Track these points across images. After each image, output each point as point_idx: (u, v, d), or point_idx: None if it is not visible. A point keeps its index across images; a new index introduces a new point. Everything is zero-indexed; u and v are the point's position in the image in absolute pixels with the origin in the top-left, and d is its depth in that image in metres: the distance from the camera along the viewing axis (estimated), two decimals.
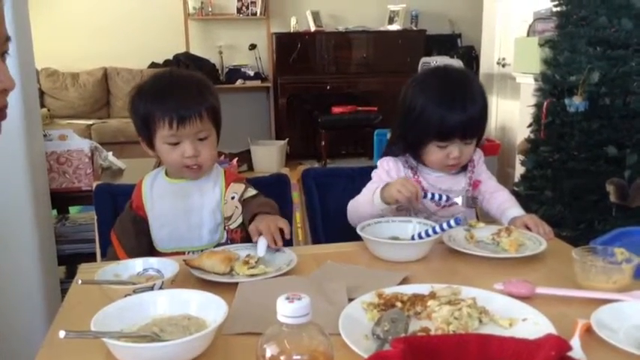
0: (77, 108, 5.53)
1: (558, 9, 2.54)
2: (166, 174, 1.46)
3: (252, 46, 5.86)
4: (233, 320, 0.93)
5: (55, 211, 2.48)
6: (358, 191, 1.69)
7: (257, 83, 5.87)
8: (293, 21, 5.86)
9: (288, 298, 0.66)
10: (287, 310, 0.66)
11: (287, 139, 5.61)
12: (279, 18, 5.97)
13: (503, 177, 4.37)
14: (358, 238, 1.30)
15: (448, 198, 1.43)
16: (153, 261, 1.14)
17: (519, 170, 2.87)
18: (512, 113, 4.63)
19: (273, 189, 1.71)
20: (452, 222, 1.25)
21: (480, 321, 0.92)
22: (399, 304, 0.96)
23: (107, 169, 2.51)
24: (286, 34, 5.84)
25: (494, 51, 5.01)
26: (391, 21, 6.00)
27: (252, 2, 5.82)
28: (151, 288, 1.00)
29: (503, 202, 1.55)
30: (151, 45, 5.76)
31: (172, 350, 0.81)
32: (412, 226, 1.36)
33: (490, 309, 0.95)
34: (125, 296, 0.97)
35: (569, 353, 0.70)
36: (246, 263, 1.17)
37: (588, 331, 0.89)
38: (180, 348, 0.81)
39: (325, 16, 5.98)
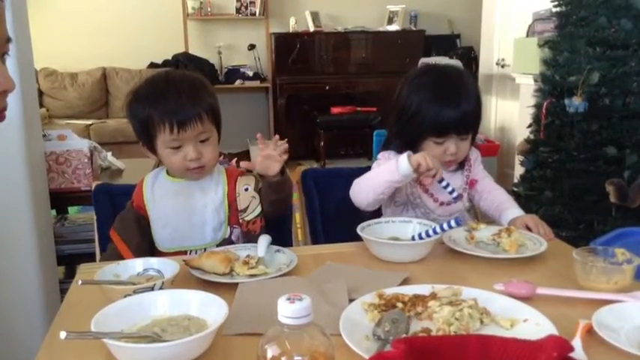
0: (76, 108, 5.53)
1: (558, 9, 2.54)
2: (167, 173, 1.46)
3: (251, 47, 5.86)
4: (233, 321, 0.92)
5: (54, 211, 2.48)
6: None
7: (256, 83, 5.87)
8: (292, 21, 5.86)
9: (289, 299, 0.66)
10: (288, 310, 0.65)
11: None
12: (278, 18, 5.97)
13: (502, 177, 4.37)
14: (358, 238, 1.30)
15: (458, 196, 1.44)
16: (153, 261, 1.14)
17: (519, 171, 2.87)
18: (511, 114, 4.64)
19: None
20: (452, 222, 1.25)
21: (481, 322, 0.92)
22: (399, 305, 0.96)
23: (106, 169, 2.50)
24: (285, 35, 5.84)
25: (494, 51, 5.01)
26: (390, 21, 6.01)
27: (251, 2, 5.82)
28: (151, 288, 1.00)
29: (501, 202, 1.56)
30: (149, 45, 5.76)
31: (173, 351, 0.81)
32: (412, 226, 1.36)
33: (491, 310, 0.94)
34: (125, 296, 0.96)
35: (571, 354, 0.70)
36: (246, 264, 1.17)
37: (589, 331, 0.89)
38: (181, 348, 0.81)
39: (324, 17, 5.98)
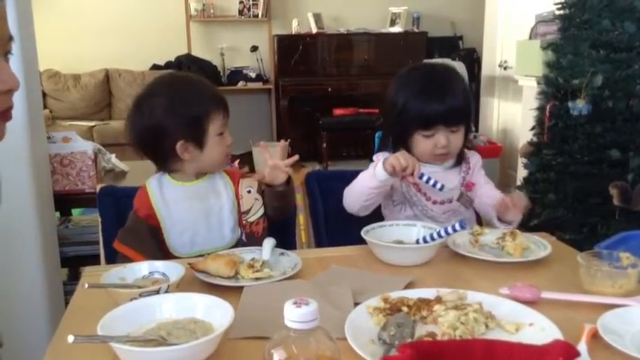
0: (79, 109, 5.54)
1: (561, 12, 2.54)
2: (172, 178, 1.44)
3: (254, 48, 5.86)
4: (239, 324, 0.93)
5: (58, 213, 2.48)
6: None
7: (258, 85, 5.87)
8: (294, 23, 5.87)
9: (295, 303, 0.67)
10: (294, 315, 0.66)
11: (288, 141, 5.59)
12: (280, 20, 5.97)
13: (504, 179, 4.38)
14: (362, 241, 1.30)
15: (442, 187, 1.43)
16: (159, 264, 1.14)
17: (522, 173, 2.87)
18: (513, 116, 4.63)
19: None
20: (457, 226, 1.25)
21: (487, 326, 0.92)
22: (404, 309, 0.96)
23: (110, 171, 2.51)
24: (288, 36, 5.84)
25: (496, 53, 5.01)
26: (393, 23, 6.01)
27: (253, 4, 5.82)
28: (157, 292, 1.00)
29: (496, 198, 1.53)
30: (152, 47, 5.77)
31: (180, 354, 0.81)
32: (417, 229, 1.36)
33: (496, 314, 0.95)
34: (131, 300, 0.97)
35: (577, 359, 0.70)
36: (251, 267, 1.17)
37: (595, 336, 0.89)
38: (188, 352, 0.81)
39: (327, 18, 5.98)
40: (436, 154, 1.52)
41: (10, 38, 0.89)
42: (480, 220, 1.68)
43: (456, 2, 6.12)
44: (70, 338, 0.78)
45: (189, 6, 5.71)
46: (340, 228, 1.62)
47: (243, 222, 1.45)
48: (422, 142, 1.52)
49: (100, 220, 1.59)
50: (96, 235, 1.63)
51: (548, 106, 2.47)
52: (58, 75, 5.52)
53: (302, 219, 1.77)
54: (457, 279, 1.17)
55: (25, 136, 1.95)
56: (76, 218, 2.63)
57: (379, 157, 1.56)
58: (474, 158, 1.64)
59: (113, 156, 2.54)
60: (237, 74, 5.86)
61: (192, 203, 1.41)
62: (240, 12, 5.84)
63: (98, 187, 1.63)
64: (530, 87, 3.58)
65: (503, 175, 4.44)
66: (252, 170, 5.35)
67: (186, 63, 5.59)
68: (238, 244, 1.42)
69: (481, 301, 0.97)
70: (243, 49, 5.93)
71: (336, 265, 1.24)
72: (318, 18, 5.88)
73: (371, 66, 5.85)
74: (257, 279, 1.14)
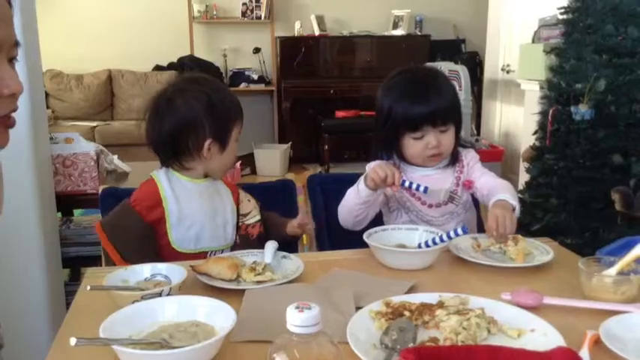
0: (81, 110, 5.55)
1: (565, 16, 2.54)
2: (180, 174, 1.44)
3: (257, 50, 5.87)
4: (241, 327, 0.92)
5: (59, 214, 2.48)
6: None
7: (261, 87, 5.88)
8: (297, 25, 5.87)
9: (297, 308, 0.67)
10: (297, 319, 0.66)
11: (290, 143, 5.61)
12: (283, 22, 5.98)
13: None
14: (364, 244, 1.30)
15: (426, 189, 1.42)
16: (161, 267, 1.14)
17: (524, 177, 2.86)
18: (516, 120, 4.64)
19: (278, 195, 1.72)
20: (459, 230, 1.25)
21: (489, 331, 0.91)
22: (407, 314, 0.96)
23: (112, 172, 2.51)
24: (290, 38, 5.85)
25: (499, 57, 5.01)
26: (395, 26, 6.01)
27: (256, 6, 5.83)
28: (159, 294, 1.00)
29: (495, 186, 1.51)
30: (155, 47, 5.78)
31: (182, 357, 0.81)
32: (419, 234, 1.36)
33: (498, 319, 0.94)
34: (133, 302, 0.97)
35: None
36: (253, 270, 1.17)
37: (597, 342, 0.89)
38: (190, 355, 0.81)
39: (329, 21, 5.99)
40: (428, 155, 1.52)
41: (16, 44, 0.88)
42: (481, 222, 1.68)
43: (459, 5, 6.12)
44: (72, 341, 0.78)
45: (192, 7, 5.72)
46: (342, 231, 1.62)
47: (240, 223, 1.48)
48: (412, 145, 1.52)
49: None
50: (97, 236, 1.62)
51: (550, 111, 2.47)
52: (61, 75, 5.53)
53: None
54: (459, 283, 1.17)
55: (28, 137, 1.95)
56: (77, 219, 2.63)
57: (370, 166, 1.57)
58: (468, 155, 1.62)
59: (115, 157, 2.55)
60: (239, 76, 5.87)
61: (202, 200, 1.43)
62: (243, 14, 5.85)
63: (100, 189, 1.63)
64: (533, 91, 3.58)
65: (505, 179, 4.44)
66: (254, 172, 5.37)
67: (189, 64, 5.60)
68: (234, 246, 1.44)
69: (483, 306, 0.97)
70: (246, 51, 5.94)
71: (337, 269, 1.24)
72: (320, 20, 5.89)
73: (373, 68, 5.85)
74: (259, 282, 1.14)
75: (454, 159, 1.60)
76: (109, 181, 2.36)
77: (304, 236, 1.77)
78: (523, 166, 2.96)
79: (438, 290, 1.06)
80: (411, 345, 0.86)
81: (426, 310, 0.96)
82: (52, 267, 2.12)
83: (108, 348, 0.83)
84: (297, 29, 5.88)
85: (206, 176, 1.47)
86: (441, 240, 1.27)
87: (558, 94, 2.49)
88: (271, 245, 1.28)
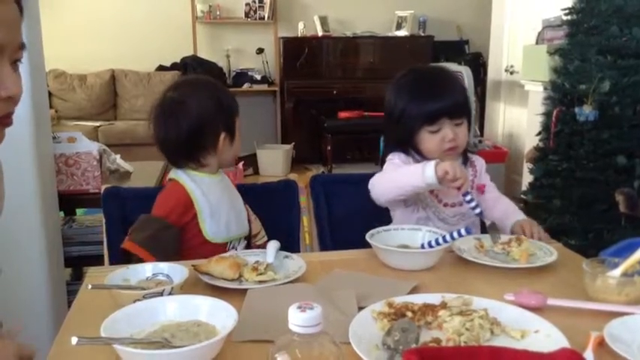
0: (84, 109, 5.55)
1: (569, 17, 2.54)
2: (195, 171, 1.48)
3: (260, 50, 5.87)
4: (242, 327, 0.92)
5: (62, 213, 2.48)
6: (367, 197, 1.68)
7: (264, 87, 5.87)
8: (300, 25, 5.87)
9: (299, 308, 0.66)
10: (299, 319, 0.65)
11: (293, 144, 5.61)
12: (286, 22, 5.98)
13: (509, 184, 4.36)
14: (366, 245, 1.30)
15: (481, 212, 1.40)
16: (162, 266, 1.14)
17: (527, 178, 2.86)
18: (519, 120, 4.63)
19: (281, 195, 1.71)
20: (462, 231, 1.25)
21: (492, 332, 0.91)
22: (409, 314, 0.95)
23: (114, 171, 2.51)
24: (294, 39, 5.85)
25: (503, 58, 5.00)
26: (399, 26, 6.01)
27: (260, 6, 5.83)
28: (161, 293, 1.00)
29: (506, 208, 1.59)
30: (158, 48, 5.78)
31: (184, 357, 0.81)
32: (422, 234, 1.36)
33: (501, 320, 0.94)
34: (134, 301, 0.96)
35: None
36: (255, 269, 1.17)
37: (601, 344, 0.88)
38: (192, 354, 0.81)
39: (333, 21, 5.98)
40: (444, 149, 1.52)
41: (22, 46, 0.88)
42: (483, 226, 1.68)
43: (463, 6, 6.11)
44: (74, 340, 0.77)
45: (196, 7, 5.73)
46: (344, 231, 1.61)
47: (252, 244, 1.54)
48: (429, 140, 1.52)
49: (104, 220, 1.59)
50: (100, 235, 1.63)
51: (554, 112, 2.47)
52: (64, 75, 5.54)
53: (306, 222, 1.77)
54: (462, 284, 1.17)
55: (31, 136, 1.95)
56: (80, 218, 2.63)
57: (395, 158, 1.56)
58: (479, 162, 1.66)
59: (118, 156, 2.54)
60: (242, 76, 5.86)
61: (222, 192, 1.49)
62: (247, 14, 5.85)
63: (103, 188, 1.63)
64: (537, 92, 3.57)
65: (509, 180, 4.43)
66: (257, 172, 5.37)
67: (192, 64, 5.60)
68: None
69: (486, 307, 0.96)
70: (249, 51, 5.94)
71: (340, 269, 1.24)
72: (324, 21, 5.88)
73: (376, 69, 5.84)
74: (261, 282, 1.14)
75: (465, 159, 1.62)
76: (112, 181, 2.36)
77: (306, 235, 1.77)
78: (527, 167, 2.96)
79: (441, 291, 1.05)
80: (413, 346, 0.86)
81: (429, 310, 0.96)
82: (54, 266, 2.12)
83: (109, 347, 0.82)
84: (301, 30, 5.88)
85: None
86: (444, 240, 1.27)
87: (562, 95, 2.49)
88: (273, 245, 1.27)
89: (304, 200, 1.78)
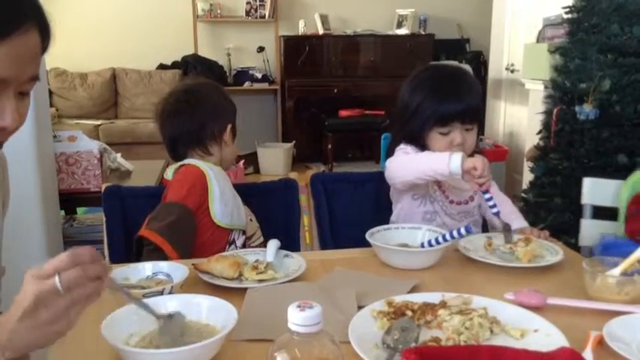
0: (85, 108, 5.55)
1: (570, 16, 2.53)
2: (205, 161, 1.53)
3: (261, 49, 5.86)
4: (242, 326, 0.92)
5: (62, 212, 2.49)
6: (367, 196, 1.69)
7: (264, 86, 5.87)
8: (301, 24, 5.86)
9: (299, 307, 0.66)
10: (298, 318, 0.65)
11: (294, 142, 5.61)
12: (287, 21, 5.97)
13: (510, 183, 4.36)
14: (366, 243, 1.30)
15: (498, 212, 1.39)
16: (163, 265, 1.14)
17: (527, 177, 2.85)
18: (520, 119, 4.62)
19: (281, 194, 1.71)
20: (462, 230, 1.25)
21: (491, 331, 0.91)
22: (409, 313, 0.95)
23: (115, 170, 2.51)
24: (294, 37, 5.84)
25: (503, 56, 4.99)
26: (399, 25, 6.00)
27: (260, 5, 5.82)
28: (161, 292, 1.00)
29: (509, 212, 1.57)
30: (159, 46, 5.78)
31: (184, 356, 0.81)
32: (422, 233, 1.36)
33: (501, 319, 0.94)
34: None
35: None
36: (255, 268, 1.17)
37: (600, 343, 0.88)
38: (191, 354, 0.81)
39: (333, 20, 5.97)
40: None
41: (34, 78, 0.84)
42: (485, 225, 1.68)
43: (463, 5, 6.11)
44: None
45: (197, 6, 5.72)
46: (345, 230, 1.62)
47: (247, 245, 1.53)
48: (438, 141, 1.52)
49: (104, 219, 1.59)
50: (100, 234, 1.63)
51: (555, 110, 2.46)
52: (65, 73, 5.54)
53: (306, 220, 1.77)
54: (462, 283, 1.17)
55: (31, 135, 1.96)
56: (80, 217, 2.63)
57: (406, 148, 1.56)
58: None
59: (119, 155, 2.55)
60: (243, 75, 5.86)
61: (227, 182, 1.53)
62: (247, 12, 5.85)
63: (103, 187, 1.63)
64: (537, 90, 3.56)
65: (509, 179, 4.43)
66: (257, 170, 5.37)
67: (193, 63, 5.60)
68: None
69: (486, 306, 0.96)
70: (250, 50, 5.93)
71: (340, 268, 1.24)
72: (324, 19, 5.88)
73: (377, 68, 5.84)
74: (261, 281, 1.14)
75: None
76: (112, 180, 2.36)
77: (307, 234, 1.77)
78: (527, 165, 2.95)
79: (441, 290, 1.06)
80: (413, 345, 0.86)
81: (429, 309, 0.96)
82: None
83: (109, 347, 0.82)
84: (301, 28, 5.87)
85: None
86: (444, 239, 1.27)
87: (563, 94, 2.48)
88: (273, 244, 1.27)
89: (304, 199, 1.78)
